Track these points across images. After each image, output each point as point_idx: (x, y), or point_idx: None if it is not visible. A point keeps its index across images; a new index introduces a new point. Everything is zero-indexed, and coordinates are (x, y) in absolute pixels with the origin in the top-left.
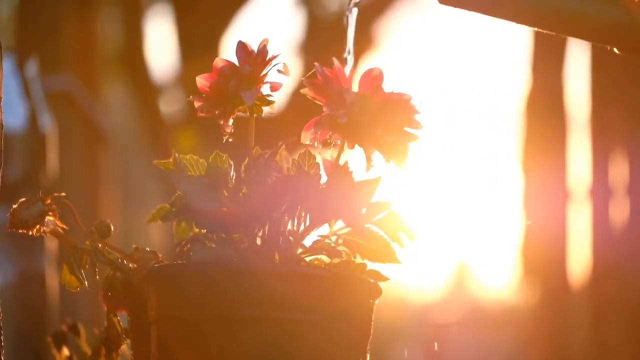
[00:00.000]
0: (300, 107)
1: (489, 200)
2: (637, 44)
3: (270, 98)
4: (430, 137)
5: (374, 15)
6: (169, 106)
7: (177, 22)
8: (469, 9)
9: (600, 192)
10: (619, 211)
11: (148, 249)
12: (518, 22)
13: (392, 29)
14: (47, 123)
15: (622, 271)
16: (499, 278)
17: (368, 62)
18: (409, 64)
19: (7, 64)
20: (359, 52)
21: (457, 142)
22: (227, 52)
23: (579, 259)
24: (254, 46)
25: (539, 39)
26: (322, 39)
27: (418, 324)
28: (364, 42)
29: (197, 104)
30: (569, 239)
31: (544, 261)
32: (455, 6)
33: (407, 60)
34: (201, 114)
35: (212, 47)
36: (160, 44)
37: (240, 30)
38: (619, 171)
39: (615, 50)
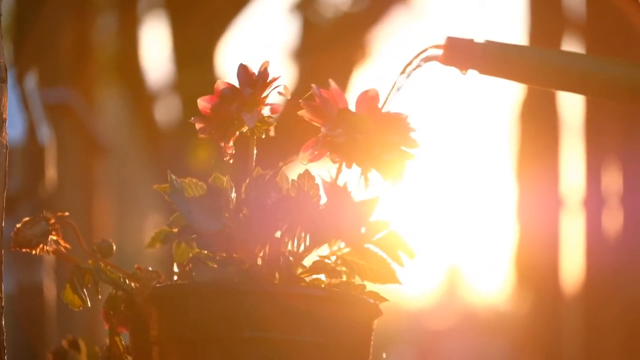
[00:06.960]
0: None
1: (482, 207)
2: None
3: (270, 120)
4: (425, 145)
5: (368, 24)
6: (166, 115)
7: (173, 30)
8: (510, 79)
9: (594, 200)
10: (613, 219)
11: (150, 269)
12: (554, 88)
13: (386, 38)
14: (46, 135)
15: (615, 279)
16: (492, 285)
17: (362, 72)
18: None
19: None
20: (352, 63)
21: (451, 148)
22: (223, 59)
23: (572, 267)
24: (252, 64)
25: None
26: (317, 46)
27: (411, 330)
28: (358, 52)
29: (198, 126)
30: (562, 246)
31: (537, 269)
32: (495, 76)
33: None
34: (202, 135)
35: (209, 55)
36: (157, 52)
37: (236, 38)
38: (613, 179)
39: None
